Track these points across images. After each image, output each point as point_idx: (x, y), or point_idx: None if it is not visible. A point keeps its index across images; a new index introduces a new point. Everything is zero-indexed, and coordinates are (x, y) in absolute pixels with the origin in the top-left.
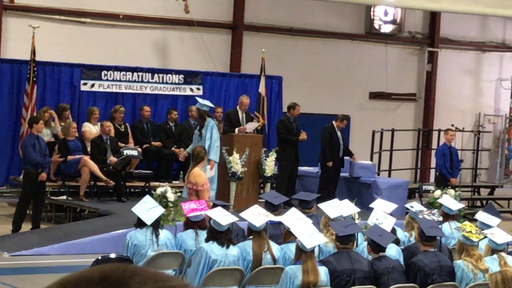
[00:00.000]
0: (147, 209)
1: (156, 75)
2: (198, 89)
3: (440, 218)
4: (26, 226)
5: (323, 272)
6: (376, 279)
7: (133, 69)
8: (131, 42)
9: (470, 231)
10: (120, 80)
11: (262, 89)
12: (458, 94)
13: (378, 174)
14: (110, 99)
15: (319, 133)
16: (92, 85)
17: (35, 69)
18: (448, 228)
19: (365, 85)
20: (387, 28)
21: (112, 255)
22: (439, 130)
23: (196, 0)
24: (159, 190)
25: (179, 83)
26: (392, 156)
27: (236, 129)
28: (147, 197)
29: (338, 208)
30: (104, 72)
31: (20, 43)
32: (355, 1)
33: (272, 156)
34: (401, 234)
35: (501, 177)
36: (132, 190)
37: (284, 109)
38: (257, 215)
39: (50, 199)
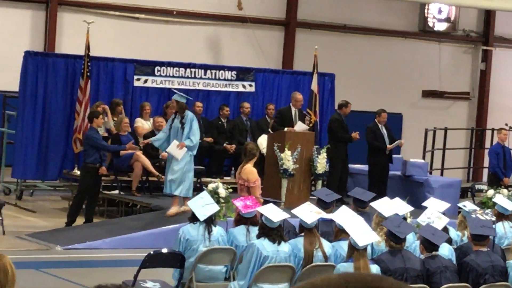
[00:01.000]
0: (202, 205)
1: (208, 71)
2: (250, 85)
3: (494, 218)
4: (79, 220)
5: (375, 270)
6: (428, 278)
7: (186, 65)
8: (184, 38)
9: None
10: (173, 76)
11: (314, 86)
12: None
13: (431, 173)
14: (162, 95)
15: None
16: (145, 81)
17: (89, 64)
18: (502, 228)
19: (418, 83)
20: (441, 26)
21: (164, 250)
22: (493, 129)
23: None
24: (210, 186)
25: (231, 80)
26: (445, 155)
27: (286, 129)
28: (204, 193)
29: (391, 207)
30: (157, 67)
31: (75, 38)
32: None
33: (324, 153)
34: (453, 233)
35: None
36: None
37: (337, 106)
38: (309, 212)
39: (102, 193)
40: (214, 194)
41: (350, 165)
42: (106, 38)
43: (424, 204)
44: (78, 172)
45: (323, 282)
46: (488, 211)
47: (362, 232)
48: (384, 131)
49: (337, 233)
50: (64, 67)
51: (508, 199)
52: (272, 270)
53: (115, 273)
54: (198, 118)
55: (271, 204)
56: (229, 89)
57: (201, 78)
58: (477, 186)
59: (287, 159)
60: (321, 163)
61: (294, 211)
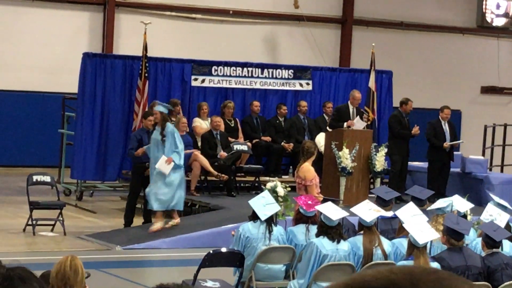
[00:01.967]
0: (263, 204)
1: (265, 70)
2: (307, 84)
3: None
4: (138, 220)
5: None
6: (489, 276)
7: (243, 65)
8: (241, 38)
9: None
10: (230, 76)
11: (372, 84)
12: None
13: (490, 170)
14: (220, 95)
15: None
16: (203, 81)
17: (147, 65)
18: None
19: (476, 79)
20: (499, 22)
21: (223, 249)
22: None
23: None
24: (269, 185)
25: (288, 78)
26: (505, 151)
27: (345, 123)
28: (266, 192)
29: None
30: (214, 67)
31: (132, 39)
32: None
33: (382, 151)
34: None
35: None
36: (242, 185)
37: (395, 104)
38: (368, 211)
39: None
40: (273, 193)
41: (409, 163)
42: (163, 39)
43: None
44: None
45: (373, 275)
46: None
47: (422, 230)
48: (446, 128)
49: (400, 229)
50: (122, 68)
51: None
52: (332, 268)
53: (174, 272)
54: (255, 117)
55: (329, 203)
56: (286, 87)
57: (258, 77)
58: None
59: (345, 157)
60: (380, 161)
61: (353, 209)
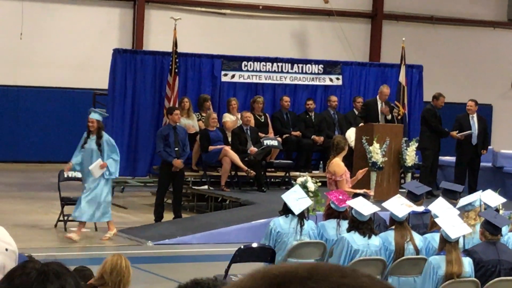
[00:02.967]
0: (296, 198)
1: (295, 65)
2: (337, 79)
3: None
4: (168, 216)
5: (467, 263)
6: None
7: (272, 60)
8: (270, 33)
9: None
10: (260, 71)
11: (402, 78)
12: None
13: None
14: (250, 90)
15: None
16: (233, 76)
17: (177, 60)
18: None
19: (507, 73)
20: None
21: (254, 245)
22: None
23: None
24: (299, 180)
25: (318, 73)
26: None
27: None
28: (297, 186)
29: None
30: (244, 62)
31: (162, 35)
32: None
33: (413, 146)
34: None
35: None
36: (272, 180)
37: (425, 98)
38: (399, 205)
39: (192, 189)
40: (303, 188)
41: (440, 158)
42: (193, 34)
43: None
44: None
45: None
46: None
47: (453, 225)
48: (474, 121)
49: (432, 223)
50: (152, 64)
51: None
52: (363, 263)
53: (205, 267)
54: (285, 112)
55: (360, 198)
56: (316, 82)
57: (288, 72)
58: None
59: (376, 152)
60: (410, 155)
61: (384, 204)
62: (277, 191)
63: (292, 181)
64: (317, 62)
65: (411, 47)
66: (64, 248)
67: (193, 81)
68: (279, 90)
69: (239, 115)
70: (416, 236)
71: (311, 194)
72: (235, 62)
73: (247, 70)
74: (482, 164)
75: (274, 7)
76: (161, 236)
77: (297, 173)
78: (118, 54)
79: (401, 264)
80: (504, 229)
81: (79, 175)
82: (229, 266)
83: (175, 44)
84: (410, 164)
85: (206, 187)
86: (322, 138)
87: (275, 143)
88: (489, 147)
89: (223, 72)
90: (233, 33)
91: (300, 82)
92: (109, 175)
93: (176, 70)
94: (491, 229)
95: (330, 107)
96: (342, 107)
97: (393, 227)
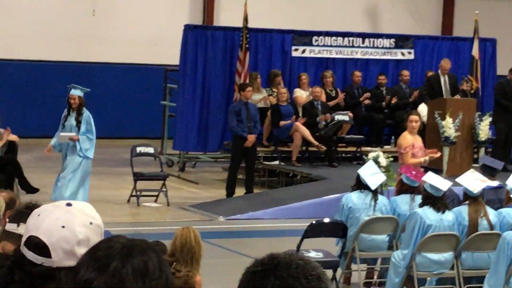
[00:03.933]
0: (371, 173)
1: (366, 40)
2: (409, 53)
3: None
4: (240, 191)
5: None
6: None
7: (343, 34)
8: (341, 7)
9: None
10: (330, 46)
11: (475, 52)
12: None
13: None
14: (320, 65)
15: None
16: (303, 51)
17: (247, 36)
18: None
19: None
20: None
21: (326, 220)
22: None
23: None
24: (371, 155)
25: (390, 48)
26: None
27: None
28: (371, 162)
29: None
30: (315, 37)
31: (233, 11)
32: None
33: (487, 120)
34: None
35: None
36: (343, 155)
37: (499, 72)
38: (473, 180)
39: (263, 164)
40: (375, 163)
41: None
42: (263, 10)
43: None
44: None
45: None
46: None
47: None
48: None
49: (509, 198)
50: (223, 39)
51: None
52: (436, 239)
53: (277, 243)
54: (356, 87)
55: (431, 172)
56: (388, 57)
57: (359, 47)
58: None
59: (449, 126)
60: (484, 130)
61: (458, 179)
62: (348, 167)
63: (364, 156)
64: (388, 36)
65: (484, 20)
66: (137, 223)
67: (264, 56)
68: (350, 65)
69: (309, 90)
70: (490, 211)
71: (383, 169)
72: (305, 37)
73: (318, 45)
74: None
75: None
76: (233, 211)
77: (369, 148)
78: (189, 30)
79: (474, 239)
80: None
81: (151, 150)
82: (301, 241)
83: (245, 19)
84: (483, 139)
85: (277, 162)
86: (395, 99)
87: (346, 118)
88: None
89: (293, 47)
90: (304, 7)
91: (371, 57)
92: (82, 153)
93: (247, 46)
94: None
95: (402, 82)
96: (414, 81)
97: (467, 202)
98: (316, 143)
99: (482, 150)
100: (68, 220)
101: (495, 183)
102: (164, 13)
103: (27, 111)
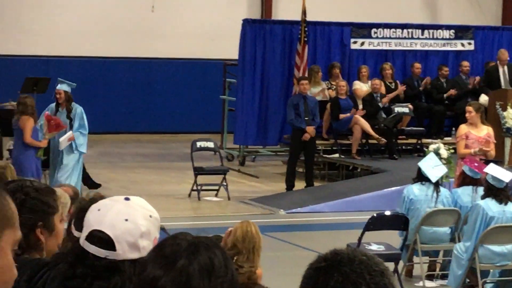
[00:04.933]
0: (432, 166)
1: (426, 31)
2: (469, 43)
3: None
4: (299, 184)
5: None
6: None
7: (402, 26)
8: None
9: None
10: (389, 38)
11: None
12: None
13: None
14: (380, 57)
15: None
16: (362, 43)
17: (306, 29)
18: None
19: None
20: None
21: (387, 212)
22: None
23: None
24: (431, 147)
25: (449, 39)
26: None
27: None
28: (432, 154)
29: None
30: (373, 30)
31: (291, 4)
32: None
33: None
34: None
35: None
36: (404, 147)
37: None
38: None
39: (323, 157)
40: (436, 155)
41: None
42: (321, 2)
43: None
44: None
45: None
46: None
47: None
48: None
49: None
50: (282, 33)
51: None
52: (499, 230)
53: (338, 236)
54: (416, 79)
55: (493, 164)
56: (448, 48)
57: (418, 38)
58: None
59: (510, 117)
60: None
61: None
62: (409, 159)
63: (424, 148)
64: (448, 27)
65: None
66: (198, 217)
67: (323, 49)
68: (410, 57)
69: (369, 83)
70: None
71: (444, 161)
72: (364, 29)
73: (377, 37)
74: None
75: None
76: (293, 204)
77: (429, 140)
78: (247, 24)
79: None
80: None
81: (211, 144)
82: (362, 234)
83: (304, 12)
84: None
85: (337, 155)
86: (452, 91)
87: (406, 110)
88: None
89: (352, 40)
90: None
91: (431, 48)
92: (76, 148)
93: (305, 39)
94: None
95: (462, 73)
96: (474, 72)
97: None
98: (376, 135)
99: None
100: (130, 214)
101: None
102: (222, 8)
103: (88, 107)
